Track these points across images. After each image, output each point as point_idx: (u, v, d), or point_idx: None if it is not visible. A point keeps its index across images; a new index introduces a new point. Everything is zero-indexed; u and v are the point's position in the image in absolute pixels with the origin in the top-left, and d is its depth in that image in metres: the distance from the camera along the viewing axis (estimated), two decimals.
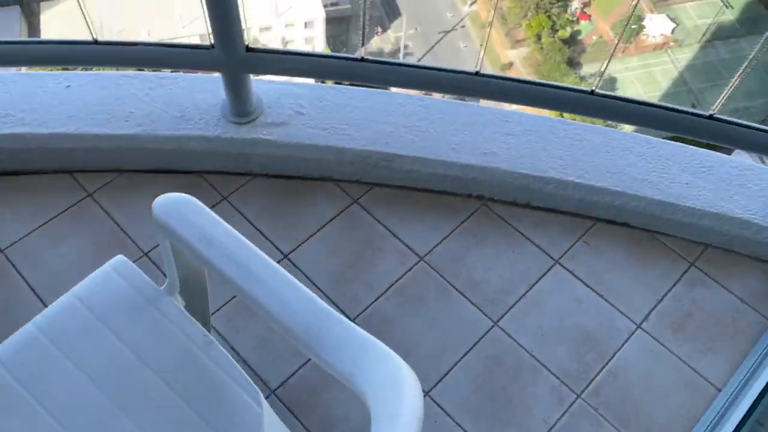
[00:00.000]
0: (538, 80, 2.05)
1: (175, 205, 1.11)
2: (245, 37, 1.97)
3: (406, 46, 30.92)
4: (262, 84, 2.29)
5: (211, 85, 2.26)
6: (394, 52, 31.13)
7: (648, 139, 2.29)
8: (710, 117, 1.97)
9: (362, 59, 2.03)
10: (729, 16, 32.09)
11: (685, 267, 2.15)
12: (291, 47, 27.65)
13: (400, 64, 2.07)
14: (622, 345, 2.00)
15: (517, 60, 30.86)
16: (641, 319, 2.05)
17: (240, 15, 1.90)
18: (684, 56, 31.29)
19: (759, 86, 29.31)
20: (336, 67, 2.07)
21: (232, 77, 2.05)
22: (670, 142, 2.28)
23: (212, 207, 2.19)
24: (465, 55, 31.66)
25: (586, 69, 30.67)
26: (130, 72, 2.28)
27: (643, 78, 29.74)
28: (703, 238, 2.18)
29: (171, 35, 23.12)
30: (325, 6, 28.45)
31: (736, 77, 2.01)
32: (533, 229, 2.23)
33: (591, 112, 2.05)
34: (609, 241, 2.21)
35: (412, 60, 31.06)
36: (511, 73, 30.60)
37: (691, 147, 2.26)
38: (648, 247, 2.19)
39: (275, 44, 27.13)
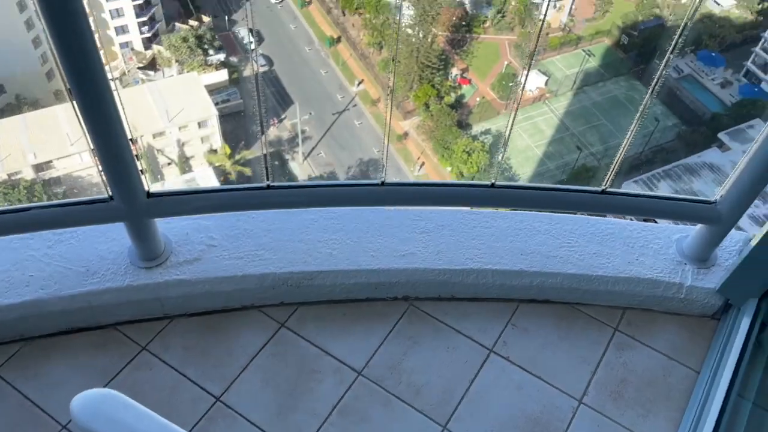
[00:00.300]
0: (440, 181, 2.15)
1: (96, 404, 1.04)
2: (145, 181, 1.93)
3: (303, 131, 31.46)
4: (168, 222, 2.24)
5: (113, 233, 2.18)
6: (292, 139, 31.57)
7: (550, 216, 2.41)
8: (603, 192, 2.10)
9: (268, 186, 2.03)
10: (593, 63, 35.13)
11: (610, 333, 2.24)
12: (187, 149, 27.42)
13: (307, 186, 2.09)
14: (569, 425, 2.02)
15: (410, 129, 32.09)
16: (581, 394, 2.09)
17: (135, 160, 1.88)
18: (561, 104, 33.72)
19: (630, 122, 31.71)
20: (243, 198, 2.06)
21: (136, 225, 1.99)
22: (570, 215, 2.41)
23: (130, 360, 2.08)
24: (361, 132, 32.58)
25: (476, 128, 32.37)
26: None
27: (529, 129, 31.65)
28: (620, 302, 2.28)
29: (59, 154, 22.38)
30: (216, 104, 28.62)
31: (620, 151, 2.17)
32: (462, 320, 2.26)
33: (495, 204, 2.14)
34: (535, 320, 2.26)
35: (311, 143, 31.58)
36: (408, 142, 31.71)
37: (591, 217, 2.40)
38: (572, 320, 2.27)
39: (170, 148, 26.80)
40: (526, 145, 30.80)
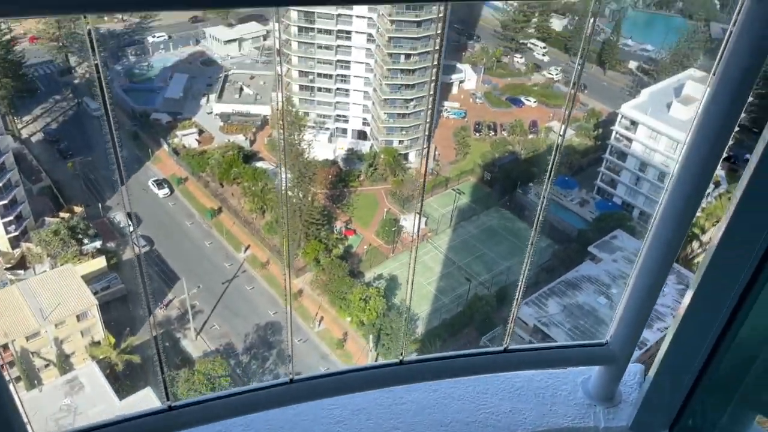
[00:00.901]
0: (348, 367, 2.11)
1: None
2: None
3: (193, 306, 30.33)
4: None
5: None
6: (182, 315, 30.28)
7: (461, 380, 2.42)
8: (506, 350, 2.17)
9: (170, 408, 1.91)
10: (464, 200, 37.74)
11: None
12: (67, 347, 25.37)
13: (212, 399, 1.99)
14: None
15: (304, 285, 32.00)
16: None
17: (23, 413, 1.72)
18: (443, 241, 35.44)
19: (510, 248, 34.12)
20: (142, 426, 1.91)
21: None
22: (480, 376, 2.44)
23: None
24: (253, 296, 31.97)
25: (368, 275, 32.92)
26: None
27: (419, 269, 32.67)
28: None
29: None
30: (96, 293, 27.16)
31: (516, 300, 2.27)
32: None
33: (407, 381, 2.13)
34: None
35: (202, 317, 30.39)
36: (303, 299, 31.44)
37: (499, 374, 2.44)
38: None
39: (47, 348, 24.67)
40: (418, 284, 31.57)
